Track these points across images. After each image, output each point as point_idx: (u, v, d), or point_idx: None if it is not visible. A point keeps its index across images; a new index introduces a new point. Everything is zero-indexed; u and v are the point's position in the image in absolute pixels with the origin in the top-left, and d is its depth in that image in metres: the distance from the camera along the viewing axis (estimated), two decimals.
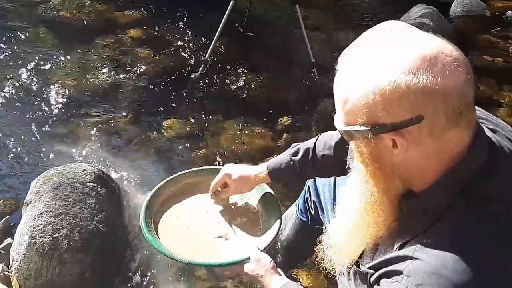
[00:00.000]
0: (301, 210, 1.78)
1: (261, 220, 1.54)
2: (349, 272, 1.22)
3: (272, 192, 1.57)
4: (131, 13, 3.70)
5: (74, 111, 2.76)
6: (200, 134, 2.72)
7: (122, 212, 2.16)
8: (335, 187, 1.53)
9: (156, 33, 3.51)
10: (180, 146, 2.62)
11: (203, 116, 2.85)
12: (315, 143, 1.40)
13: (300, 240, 1.83)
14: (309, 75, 3.16)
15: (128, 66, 3.15)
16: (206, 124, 2.79)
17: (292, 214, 1.87)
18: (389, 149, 0.84)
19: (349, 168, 1.08)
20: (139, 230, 2.09)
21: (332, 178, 1.55)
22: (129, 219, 2.16)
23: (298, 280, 2.00)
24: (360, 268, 1.05)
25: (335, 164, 1.35)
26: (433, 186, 0.86)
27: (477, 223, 0.83)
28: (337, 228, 1.05)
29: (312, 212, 1.69)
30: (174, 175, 1.64)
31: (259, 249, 1.35)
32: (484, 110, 1.03)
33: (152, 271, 1.98)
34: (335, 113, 0.92)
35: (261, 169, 1.47)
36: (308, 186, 1.68)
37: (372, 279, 0.98)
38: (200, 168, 1.72)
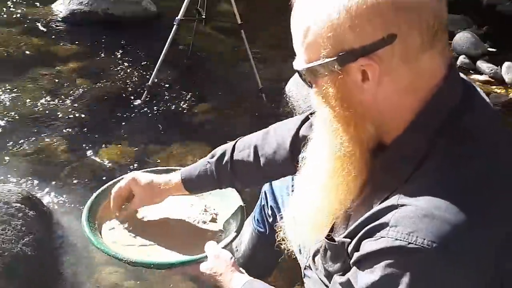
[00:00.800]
0: (257, 220, 1.61)
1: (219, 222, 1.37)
2: (314, 261, 1.09)
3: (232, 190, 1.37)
4: (70, 46, 3.58)
5: (5, 137, 2.56)
6: (140, 160, 2.57)
7: (53, 237, 1.95)
8: (293, 185, 1.39)
9: (97, 64, 3.40)
10: (118, 172, 2.43)
11: (144, 142, 2.70)
12: (234, 145, 1.26)
13: (258, 254, 1.66)
14: (257, 101, 3.11)
15: (67, 94, 3.00)
16: (147, 151, 2.64)
17: (247, 227, 1.71)
18: (358, 84, 0.74)
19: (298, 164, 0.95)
20: (74, 252, 1.91)
21: (289, 177, 1.37)
22: (63, 245, 1.95)
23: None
24: (334, 241, 0.90)
25: (256, 168, 1.21)
26: (409, 128, 0.76)
27: (463, 162, 0.73)
28: (300, 198, 0.92)
29: (270, 220, 1.53)
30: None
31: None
32: None
33: None
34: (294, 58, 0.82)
35: (174, 176, 1.26)
36: (264, 191, 1.53)
37: (350, 247, 0.82)
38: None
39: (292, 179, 1.34)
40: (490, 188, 0.73)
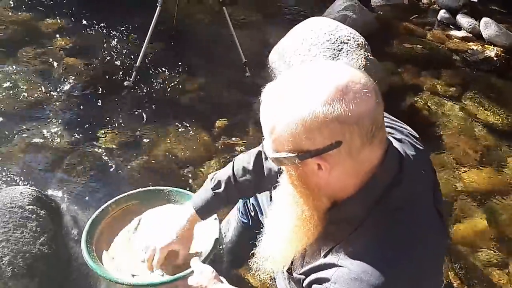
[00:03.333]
0: (241, 212, 1.88)
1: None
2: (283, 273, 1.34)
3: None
4: (56, 21, 3.62)
5: (3, 130, 2.69)
6: (136, 143, 2.74)
7: (65, 231, 2.17)
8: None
9: (84, 41, 3.46)
10: (116, 157, 2.62)
11: (138, 124, 2.86)
12: (233, 171, 1.45)
13: (243, 241, 1.93)
14: (242, 75, 3.25)
15: (57, 77, 3.10)
16: (141, 133, 2.80)
17: (234, 216, 1.97)
18: (315, 172, 0.93)
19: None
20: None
21: None
22: (73, 236, 2.17)
23: (245, 279, 2.10)
24: (292, 275, 1.17)
25: (258, 184, 1.45)
26: (352, 198, 0.98)
27: (390, 229, 0.96)
28: (269, 241, 1.16)
29: (252, 214, 1.80)
30: (112, 200, 1.66)
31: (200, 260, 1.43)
32: (392, 117, 1.18)
33: None
34: (263, 138, 1.00)
35: (188, 212, 1.46)
36: None
37: (304, 284, 1.09)
38: (135, 191, 1.71)
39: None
40: (414, 249, 0.96)
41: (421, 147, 1.09)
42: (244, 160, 1.46)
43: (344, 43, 3.11)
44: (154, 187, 1.77)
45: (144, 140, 2.76)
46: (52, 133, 2.71)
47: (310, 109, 0.86)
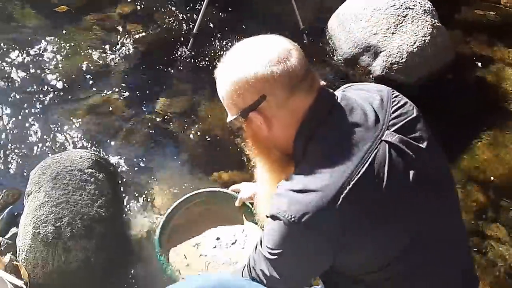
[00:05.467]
0: None
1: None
2: None
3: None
4: None
5: (66, 95, 2.78)
6: (193, 110, 2.74)
7: (122, 195, 2.23)
8: None
9: (143, 8, 3.47)
10: (175, 124, 2.65)
11: (196, 91, 2.86)
12: None
13: None
14: (300, 42, 3.13)
15: (116, 44, 3.14)
16: (199, 100, 2.80)
17: None
18: (260, 127, 1.13)
19: None
20: (139, 211, 2.18)
21: None
22: (129, 201, 2.23)
23: None
24: None
25: None
26: (294, 142, 1.13)
27: (312, 158, 1.09)
28: (260, 196, 1.39)
29: None
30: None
31: None
32: (365, 83, 1.33)
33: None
34: None
35: None
36: None
37: None
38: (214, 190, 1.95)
39: None
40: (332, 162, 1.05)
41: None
42: None
43: (410, 8, 2.93)
44: (222, 190, 1.94)
45: (202, 107, 2.76)
46: (111, 99, 2.77)
47: (235, 74, 1.09)
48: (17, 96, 2.76)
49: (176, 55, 3.09)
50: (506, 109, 2.87)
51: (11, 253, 1.91)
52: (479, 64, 3.18)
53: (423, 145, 1.09)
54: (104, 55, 3.06)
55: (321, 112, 1.10)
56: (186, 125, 2.65)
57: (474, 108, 2.82)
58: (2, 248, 1.94)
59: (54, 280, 1.83)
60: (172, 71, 2.98)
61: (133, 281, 1.95)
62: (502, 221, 2.26)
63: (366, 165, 1.02)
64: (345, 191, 0.99)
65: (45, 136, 2.54)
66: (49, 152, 2.43)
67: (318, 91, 1.11)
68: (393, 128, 1.09)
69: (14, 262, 1.86)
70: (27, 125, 2.60)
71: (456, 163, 2.49)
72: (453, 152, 2.54)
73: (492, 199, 2.35)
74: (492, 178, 2.44)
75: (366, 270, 1.11)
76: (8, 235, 2.01)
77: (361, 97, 1.16)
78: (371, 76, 2.88)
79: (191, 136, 2.60)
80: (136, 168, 2.40)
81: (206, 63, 3.04)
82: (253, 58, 1.08)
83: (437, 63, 2.90)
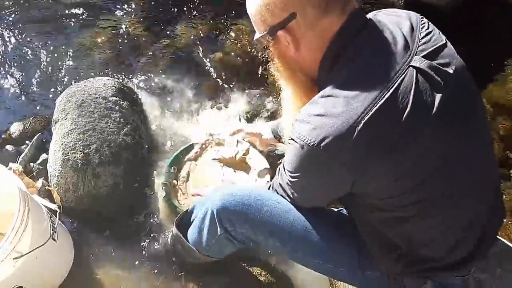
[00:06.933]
0: None
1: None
2: None
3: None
4: None
5: (85, 20, 2.74)
6: (213, 36, 2.69)
7: (145, 122, 2.24)
8: None
9: None
10: (195, 50, 2.61)
11: (215, 17, 2.78)
12: None
13: None
14: None
15: None
16: (219, 26, 2.73)
17: None
18: (287, 47, 1.11)
19: None
20: (165, 133, 2.21)
21: None
22: (154, 129, 2.25)
23: None
24: None
25: None
26: (320, 66, 1.12)
27: (336, 81, 1.05)
28: (285, 120, 1.41)
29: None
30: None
31: None
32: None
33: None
34: None
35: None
36: None
37: None
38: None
39: None
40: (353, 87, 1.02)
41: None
42: None
43: None
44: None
45: (221, 33, 2.70)
46: (130, 25, 2.71)
47: None
48: (37, 24, 2.73)
49: None
50: None
51: (43, 178, 1.98)
52: None
53: (452, 72, 1.05)
54: None
55: (350, 36, 1.06)
56: (208, 51, 2.61)
57: (509, 33, 2.69)
58: (34, 174, 2.00)
59: (85, 204, 1.90)
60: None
61: (157, 205, 2.02)
62: None
63: (391, 90, 0.98)
64: (367, 117, 0.96)
65: (67, 63, 2.53)
66: (73, 80, 2.43)
67: (350, 14, 1.07)
68: (422, 54, 1.04)
69: (47, 187, 1.93)
70: (48, 52, 2.59)
71: (485, 91, 2.42)
72: (483, 80, 2.47)
73: None
74: None
75: (389, 195, 1.09)
76: (39, 161, 2.07)
77: (391, 22, 1.11)
78: None
79: (211, 62, 2.56)
80: (158, 94, 2.40)
81: None
82: None
83: None
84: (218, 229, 1.38)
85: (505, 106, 2.38)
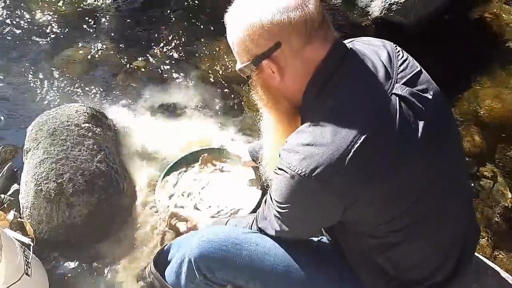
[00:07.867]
0: None
1: None
2: None
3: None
4: None
5: (54, 46, 2.71)
6: (189, 58, 2.69)
7: (120, 148, 2.22)
8: None
9: None
10: (170, 73, 2.60)
11: (191, 37, 2.79)
12: None
13: None
14: None
15: None
16: (195, 46, 2.74)
17: None
18: (271, 76, 1.10)
19: None
20: (138, 160, 2.18)
21: None
22: (127, 155, 2.22)
23: None
24: None
25: None
26: (304, 95, 1.11)
27: (323, 110, 1.06)
28: (266, 148, 1.37)
29: None
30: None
31: None
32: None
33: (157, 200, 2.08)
34: None
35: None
36: None
37: None
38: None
39: None
40: (340, 119, 1.02)
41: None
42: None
43: None
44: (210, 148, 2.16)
45: (197, 54, 2.70)
46: (101, 48, 2.69)
47: (250, 18, 1.04)
48: (7, 52, 2.68)
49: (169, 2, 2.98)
50: (506, 48, 2.84)
51: (14, 209, 1.93)
52: (478, 3, 3.11)
53: (430, 97, 1.08)
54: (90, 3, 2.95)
55: (334, 65, 1.06)
56: (184, 72, 2.60)
57: (474, 48, 2.79)
58: (5, 205, 1.95)
59: (60, 235, 1.86)
60: (165, 17, 2.90)
61: (135, 230, 1.98)
62: (497, 163, 2.29)
63: (378, 118, 1.00)
64: (356, 145, 0.96)
65: (36, 91, 2.49)
66: (44, 107, 2.39)
67: (332, 42, 1.07)
68: (402, 81, 1.07)
69: (19, 219, 1.88)
70: (18, 80, 2.54)
71: (456, 104, 2.49)
72: (453, 93, 2.54)
73: (489, 141, 2.37)
74: (490, 119, 2.45)
75: (376, 223, 1.11)
76: (10, 192, 2.02)
77: (370, 51, 1.13)
78: (369, 17, 2.81)
79: (186, 83, 2.56)
80: (131, 119, 2.38)
81: (202, 8, 2.95)
82: (269, 2, 1.03)
83: (436, 2, 2.84)
84: (197, 276, 1.35)
85: (473, 118, 2.45)
